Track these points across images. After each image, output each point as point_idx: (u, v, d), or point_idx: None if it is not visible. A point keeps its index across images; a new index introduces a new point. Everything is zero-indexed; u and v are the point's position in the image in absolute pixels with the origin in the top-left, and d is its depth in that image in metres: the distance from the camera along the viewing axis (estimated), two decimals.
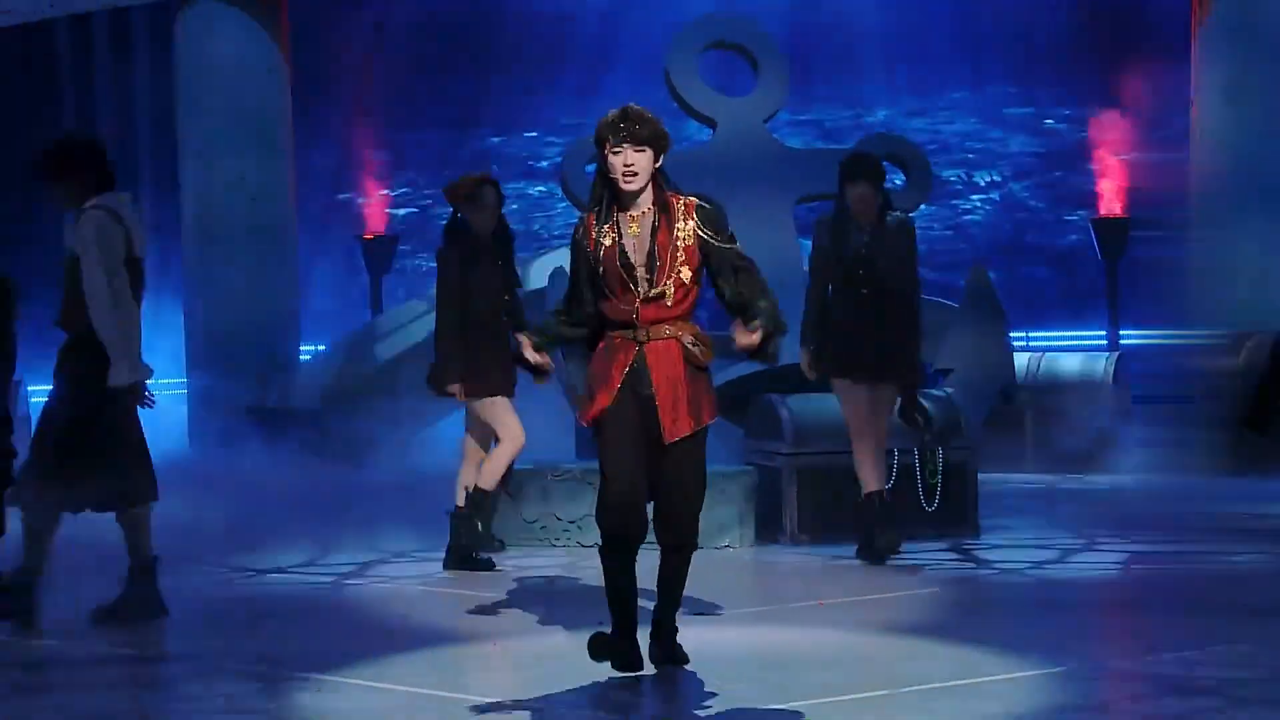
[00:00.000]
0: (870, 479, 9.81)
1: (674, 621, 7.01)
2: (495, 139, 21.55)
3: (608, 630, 6.89)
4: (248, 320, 16.16)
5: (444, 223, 10.13)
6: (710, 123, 13.29)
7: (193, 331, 16.63)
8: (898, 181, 13.14)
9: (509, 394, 9.75)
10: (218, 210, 16.34)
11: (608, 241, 6.74)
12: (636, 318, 6.73)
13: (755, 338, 6.67)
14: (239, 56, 16.19)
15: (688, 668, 6.91)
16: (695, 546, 6.94)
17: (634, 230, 6.74)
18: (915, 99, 21.07)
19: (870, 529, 9.82)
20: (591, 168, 7.31)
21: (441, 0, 20.56)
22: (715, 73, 13.93)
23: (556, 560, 10.15)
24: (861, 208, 9.75)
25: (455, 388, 9.71)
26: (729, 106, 13.38)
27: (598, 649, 6.85)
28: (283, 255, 16.57)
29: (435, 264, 10.03)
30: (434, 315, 10.00)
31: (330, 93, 20.16)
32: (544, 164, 21.07)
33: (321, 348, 17.27)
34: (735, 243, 6.85)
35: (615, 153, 6.69)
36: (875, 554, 9.74)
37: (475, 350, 9.74)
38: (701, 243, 6.74)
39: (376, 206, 20.56)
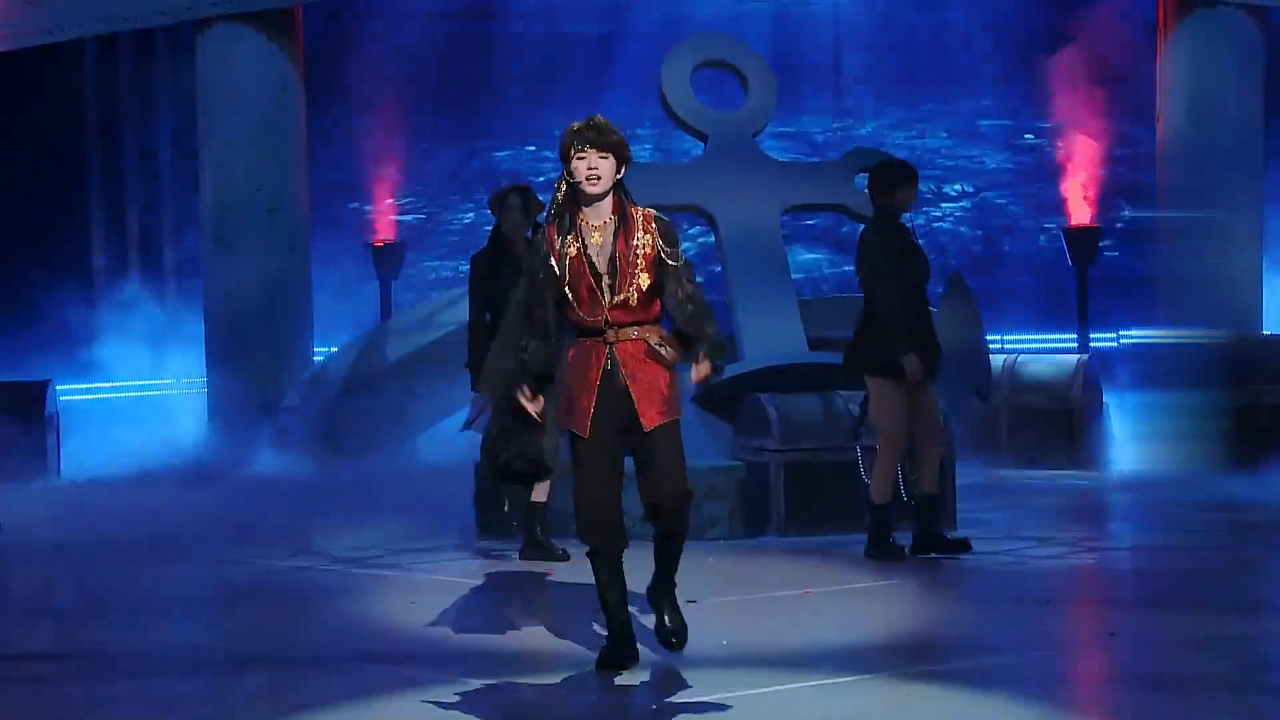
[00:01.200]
0: (890, 491, 9.99)
1: (670, 586, 7.08)
2: (499, 153, 21.74)
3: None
4: (263, 323, 16.32)
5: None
6: (702, 136, 13.31)
7: (211, 334, 16.81)
8: None
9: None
10: (235, 219, 16.48)
11: (572, 251, 6.84)
12: (606, 323, 6.88)
13: (704, 370, 6.90)
14: (256, 74, 16.36)
15: (683, 653, 7.04)
16: (686, 530, 7.03)
17: (596, 239, 6.88)
18: (899, 112, 21.43)
19: (887, 530, 9.97)
20: None
21: (447, 20, 20.91)
22: (706, 89, 14.20)
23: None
24: (908, 211, 9.99)
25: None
26: (720, 121, 13.63)
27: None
28: (297, 261, 16.65)
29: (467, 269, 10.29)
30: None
31: (342, 107, 20.51)
32: (541, 178, 21.31)
33: (334, 349, 17.47)
34: (684, 260, 6.99)
35: (579, 157, 6.85)
36: (894, 554, 9.86)
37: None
38: (659, 256, 6.90)
39: (386, 215, 20.82)
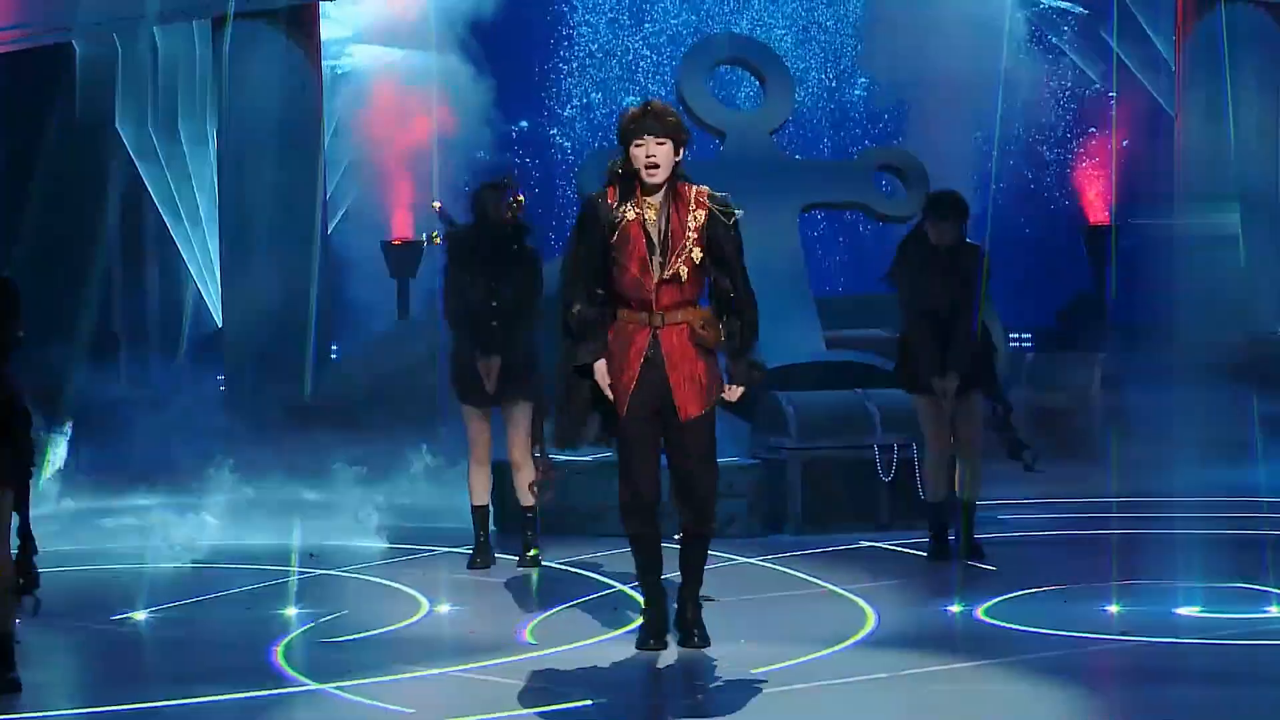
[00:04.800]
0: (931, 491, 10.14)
1: (697, 605, 7.28)
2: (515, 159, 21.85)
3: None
4: (282, 321, 16.32)
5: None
6: (720, 134, 13.47)
7: (230, 332, 16.85)
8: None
9: (474, 402, 9.78)
10: (254, 216, 16.50)
11: (631, 215, 6.98)
12: (654, 301, 6.97)
13: (735, 394, 7.04)
14: (275, 72, 16.41)
15: (703, 651, 7.20)
16: (714, 525, 7.24)
17: (651, 216, 7.00)
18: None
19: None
20: None
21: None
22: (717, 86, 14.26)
23: (576, 548, 10.31)
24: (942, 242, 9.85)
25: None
26: (737, 119, 13.70)
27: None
28: (315, 259, 16.83)
29: None
30: None
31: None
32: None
33: (354, 346, 17.54)
34: (738, 233, 7.08)
35: (638, 145, 6.95)
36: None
37: (453, 354, 9.88)
38: (710, 224, 6.99)
39: (402, 212, 20.87)
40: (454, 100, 20.46)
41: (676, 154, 7.00)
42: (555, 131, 22.17)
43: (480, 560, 9.97)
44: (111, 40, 18.21)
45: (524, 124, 22.31)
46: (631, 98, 21.81)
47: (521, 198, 9.78)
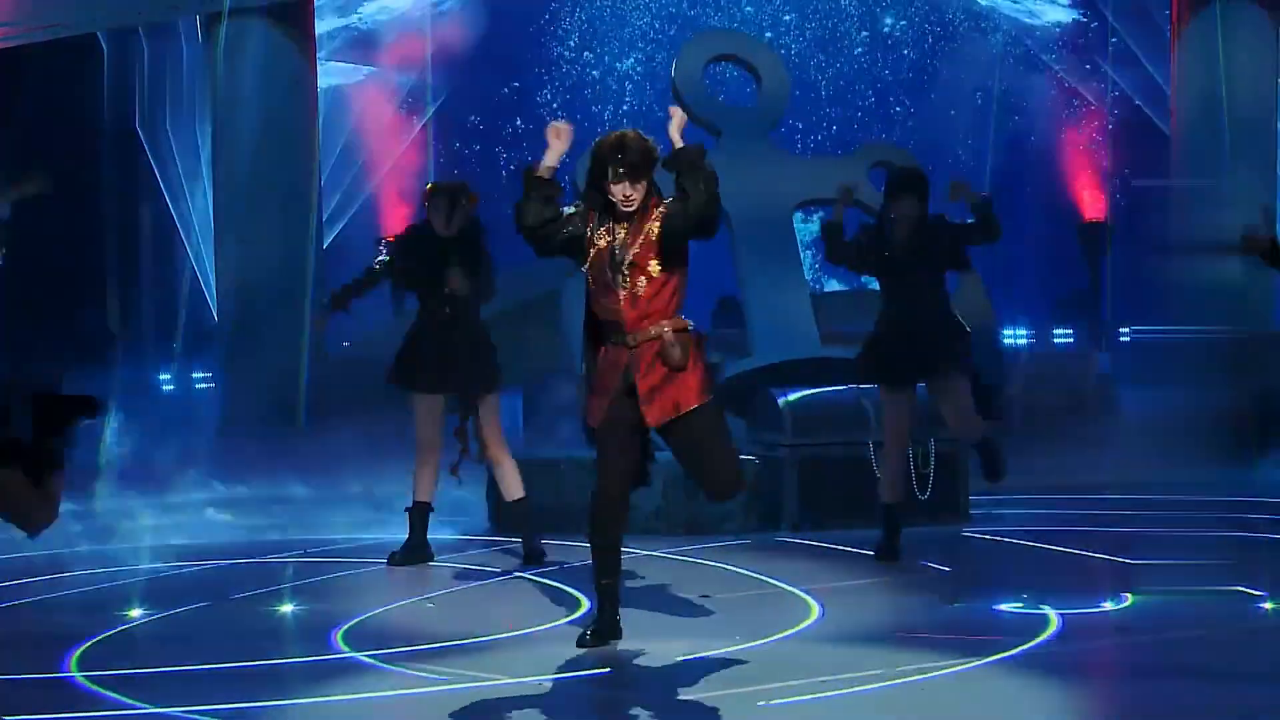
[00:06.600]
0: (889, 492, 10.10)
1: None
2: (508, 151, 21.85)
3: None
4: (277, 317, 16.18)
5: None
6: (715, 131, 13.42)
7: (225, 328, 16.77)
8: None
9: (425, 388, 9.88)
10: (249, 212, 16.55)
11: (601, 244, 7.19)
12: (623, 319, 7.16)
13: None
14: (269, 67, 16.35)
15: (690, 647, 7.30)
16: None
17: (621, 235, 7.19)
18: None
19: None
20: None
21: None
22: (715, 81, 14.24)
23: (567, 546, 10.20)
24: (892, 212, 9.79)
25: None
26: (733, 116, 13.74)
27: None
28: (310, 255, 16.80)
29: None
30: None
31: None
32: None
33: (346, 344, 17.50)
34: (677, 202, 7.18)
35: (615, 184, 7.13)
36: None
37: (405, 344, 10.04)
38: (665, 234, 7.11)
39: (396, 208, 20.79)
40: (447, 75, 20.48)
41: (651, 177, 7.19)
42: (547, 92, 22.19)
43: (403, 558, 9.94)
44: (138, 40, 18.22)
45: (516, 84, 22.31)
46: (623, 61, 21.92)
47: (475, 197, 10.04)
